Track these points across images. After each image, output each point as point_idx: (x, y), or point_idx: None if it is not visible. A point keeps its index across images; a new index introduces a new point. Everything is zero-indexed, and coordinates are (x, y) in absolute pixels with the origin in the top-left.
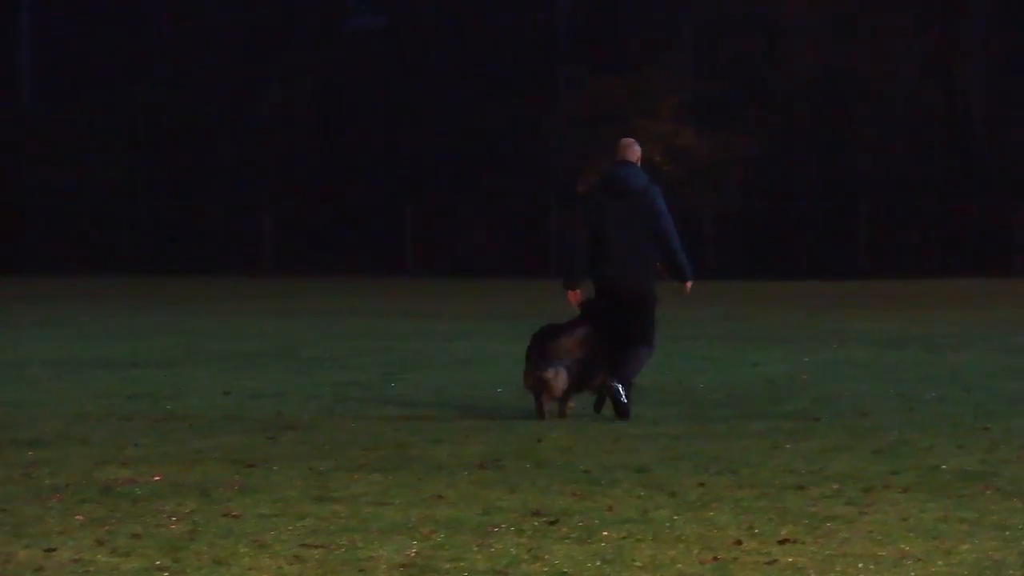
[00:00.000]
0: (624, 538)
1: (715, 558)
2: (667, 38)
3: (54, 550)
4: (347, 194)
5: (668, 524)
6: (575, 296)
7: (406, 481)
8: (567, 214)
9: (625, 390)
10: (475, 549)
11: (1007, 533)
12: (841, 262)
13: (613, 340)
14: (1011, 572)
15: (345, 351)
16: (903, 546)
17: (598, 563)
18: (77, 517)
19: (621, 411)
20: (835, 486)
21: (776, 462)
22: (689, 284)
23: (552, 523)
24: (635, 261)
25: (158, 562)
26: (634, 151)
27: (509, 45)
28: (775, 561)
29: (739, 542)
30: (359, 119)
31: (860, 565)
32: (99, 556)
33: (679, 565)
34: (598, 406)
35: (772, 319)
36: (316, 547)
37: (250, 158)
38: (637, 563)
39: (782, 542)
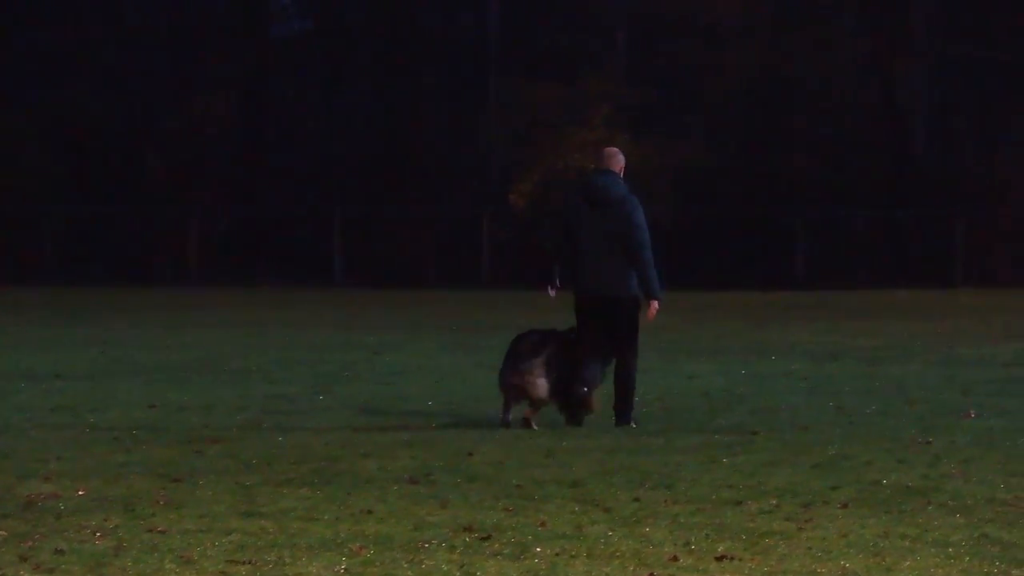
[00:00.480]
0: (558, 554)
1: (651, 575)
2: (600, 44)
3: None
4: (273, 202)
5: (603, 540)
6: (553, 289)
7: (335, 496)
8: (499, 223)
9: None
10: (405, 566)
11: (949, 550)
12: (778, 272)
13: (599, 353)
14: None
15: (272, 363)
16: (843, 563)
17: None
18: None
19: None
20: (773, 501)
21: (713, 477)
22: (655, 305)
23: (484, 539)
24: (612, 269)
25: None
26: (617, 160)
27: (440, 51)
28: None
29: (675, 558)
30: (286, 126)
31: None
32: (22, 572)
33: None
34: (571, 419)
35: (708, 330)
36: (243, 563)
37: (175, 165)
38: None
39: (719, 559)
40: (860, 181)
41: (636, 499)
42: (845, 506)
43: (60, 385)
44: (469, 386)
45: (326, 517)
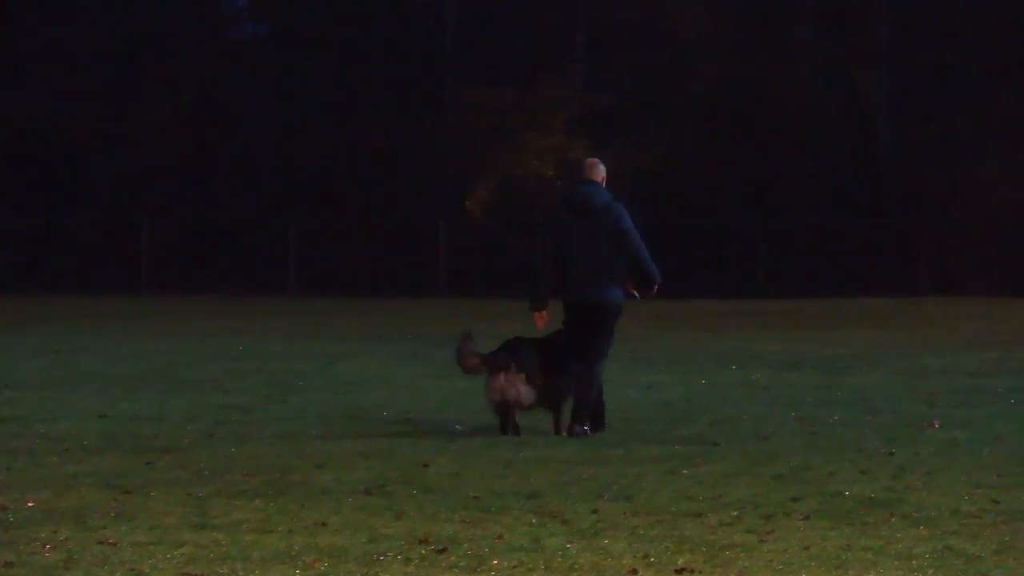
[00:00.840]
0: (515, 567)
1: None
2: (559, 50)
3: None
4: (227, 210)
5: (560, 553)
6: (541, 318)
7: (288, 508)
8: (456, 230)
9: (590, 422)
10: None
11: (913, 563)
12: (740, 280)
13: (572, 354)
14: None
15: (225, 373)
16: None
17: None
18: None
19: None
20: (734, 513)
21: (673, 488)
22: (656, 287)
23: (440, 551)
24: (599, 278)
25: None
26: (598, 170)
27: (396, 57)
28: None
29: (634, 571)
30: (240, 132)
31: None
32: None
33: None
34: (561, 429)
35: (667, 340)
36: None
37: (127, 172)
38: None
39: (679, 571)
40: (823, 188)
41: (595, 511)
42: (807, 518)
43: (9, 395)
44: (425, 396)
45: (279, 529)
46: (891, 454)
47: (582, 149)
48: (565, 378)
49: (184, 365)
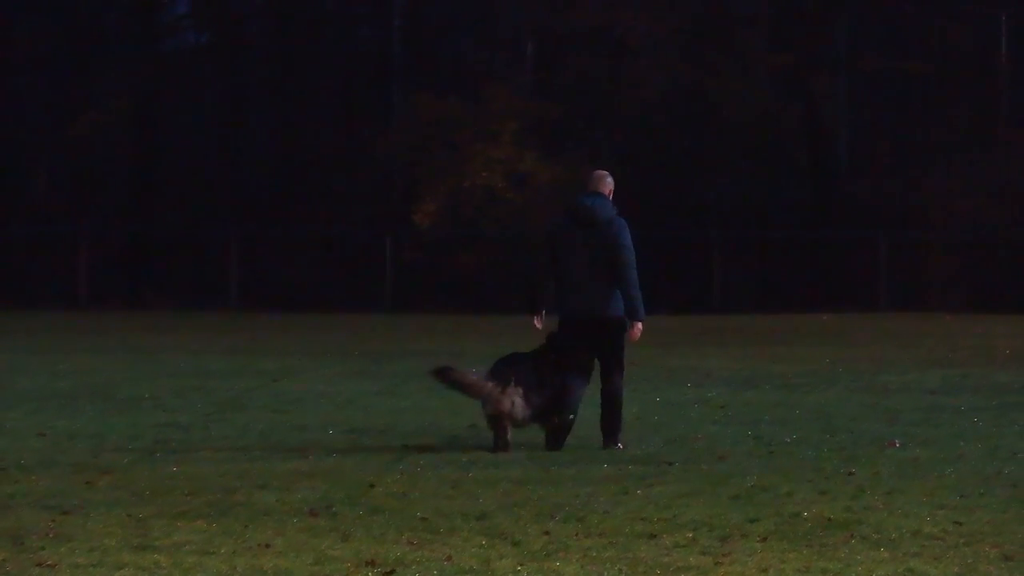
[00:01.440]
0: None
1: None
2: (508, 59)
3: None
4: (168, 222)
5: (511, 575)
6: (539, 321)
7: (231, 529)
8: (403, 243)
9: (616, 436)
10: None
11: None
12: (694, 295)
13: (585, 377)
14: None
15: (165, 390)
16: None
17: None
18: None
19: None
20: (689, 534)
21: (626, 509)
22: (639, 327)
23: (387, 573)
24: (598, 290)
25: None
26: (606, 183)
27: (340, 66)
28: None
29: None
30: (180, 142)
31: None
32: None
33: None
34: (552, 443)
35: None
36: None
37: (63, 184)
38: None
39: None
40: (780, 201)
41: (546, 532)
42: (764, 539)
43: None
44: (371, 414)
45: (222, 551)
46: (851, 474)
47: (532, 160)
48: (559, 395)
49: (123, 382)
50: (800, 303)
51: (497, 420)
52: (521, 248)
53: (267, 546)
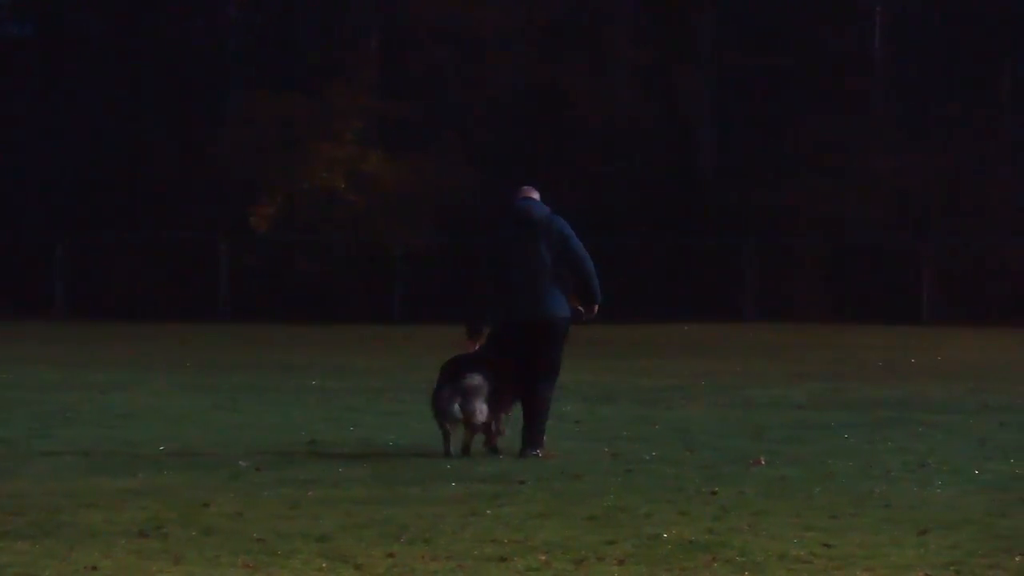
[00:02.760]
0: None
1: None
2: (351, 54)
3: None
4: None
5: None
6: (473, 345)
7: (56, 550)
8: (239, 248)
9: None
10: None
11: None
12: None
13: (520, 376)
14: None
15: None
16: None
17: None
18: None
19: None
20: (542, 557)
21: (475, 530)
22: (595, 307)
23: None
24: (544, 291)
25: None
26: (534, 190)
27: (172, 61)
28: None
29: None
30: (1, 142)
31: None
32: None
33: None
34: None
35: None
36: None
37: None
38: None
39: None
40: (639, 204)
41: (390, 555)
42: (622, 563)
43: None
44: (205, 430)
45: (46, 573)
46: (713, 493)
47: (376, 160)
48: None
49: None
50: (660, 313)
51: (449, 422)
52: (366, 254)
53: (94, 568)
